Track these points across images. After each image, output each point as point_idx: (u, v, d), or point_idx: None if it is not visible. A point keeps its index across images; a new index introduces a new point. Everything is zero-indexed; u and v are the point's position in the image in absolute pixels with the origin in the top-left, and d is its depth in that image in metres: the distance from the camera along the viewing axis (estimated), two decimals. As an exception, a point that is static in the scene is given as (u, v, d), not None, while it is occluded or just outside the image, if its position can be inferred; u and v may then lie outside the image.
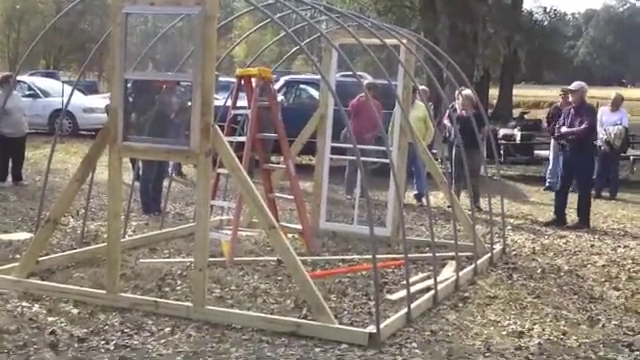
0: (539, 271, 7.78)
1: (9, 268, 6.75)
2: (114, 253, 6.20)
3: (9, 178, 12.19)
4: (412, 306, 6.00)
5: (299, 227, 8.38)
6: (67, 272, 7.13)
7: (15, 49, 41.66)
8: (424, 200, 11.63)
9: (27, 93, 19.90)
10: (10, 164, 12.19)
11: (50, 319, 5.77)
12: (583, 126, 10.11)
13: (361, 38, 7.16)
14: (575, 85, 10.46)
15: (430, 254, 7.85)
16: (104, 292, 6.17)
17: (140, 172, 10.62)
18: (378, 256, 7.90)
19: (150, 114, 7.83)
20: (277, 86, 15.70)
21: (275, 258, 7.52)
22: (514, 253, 8.63)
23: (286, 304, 6.31)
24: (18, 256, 7.29)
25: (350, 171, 11.64)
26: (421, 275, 7.33)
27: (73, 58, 45.64)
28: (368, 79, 17.57)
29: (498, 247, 8.51)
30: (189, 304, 5.95)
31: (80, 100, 19.93)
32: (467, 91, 10.68)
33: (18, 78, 20.90)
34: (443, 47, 21.92)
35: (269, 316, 5.84)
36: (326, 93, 9.01)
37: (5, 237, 8.43)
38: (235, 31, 45.61)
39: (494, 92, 35.26)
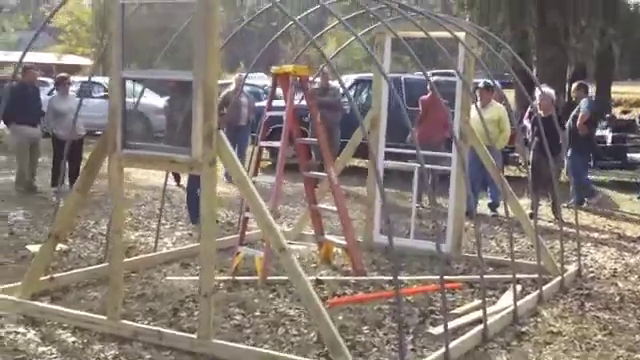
0: (617, 299, 6.63)
1: (13, 287, 6.16)
2: (116, 274, 5.51)
3: (66, 182, 11.76)
4: (452, 345, 5.06)
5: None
6: (83, 291, 6.52)
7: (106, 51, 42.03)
8: (499, 210, 10.61)
9: (102, 94, 19.65)
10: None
11: (40, 349, 5.15)
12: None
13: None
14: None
15: (491, 276, 6.93)
16: (104, 318, 5.49)
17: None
18: (432, 277, 7.06)
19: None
20: (347, 85, 14.91)
21: (314, 277, 6.76)
22: (591, 275, 7.46)
23: (309, 337, 5.47)
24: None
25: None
26: (476, 303, 6.31)
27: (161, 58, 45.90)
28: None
29: (572, 268, 7.39)
30: (193, 336, 5.20)
31: (153, 101, 19.08)
32: (543, 90, 9.53)
33: (96, 80, 20.73)
34: (533, 42, 20.67)
35: (279, 354, 4.99)
36: (379, 93, 8.12)
37: (33, 248, 7.85)
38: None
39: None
